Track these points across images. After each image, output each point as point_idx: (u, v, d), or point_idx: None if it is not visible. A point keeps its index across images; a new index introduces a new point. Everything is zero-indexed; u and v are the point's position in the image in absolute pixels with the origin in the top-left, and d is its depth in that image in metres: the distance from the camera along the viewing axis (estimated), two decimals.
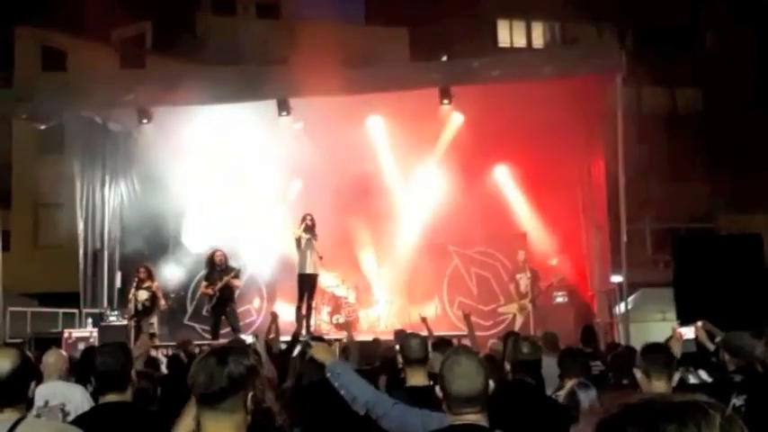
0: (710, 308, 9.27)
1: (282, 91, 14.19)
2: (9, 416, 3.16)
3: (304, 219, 14.13)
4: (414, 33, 27.49)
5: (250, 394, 2.60)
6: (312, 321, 14.30)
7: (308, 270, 14.00)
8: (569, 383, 6.54)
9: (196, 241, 15.58)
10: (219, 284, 14.16)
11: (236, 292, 14.57)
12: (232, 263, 14.50)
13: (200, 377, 2.57)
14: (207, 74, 15.98)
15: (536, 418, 4.56)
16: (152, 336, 14.11)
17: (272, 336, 9.72)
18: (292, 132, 14.88)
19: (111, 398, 3.74)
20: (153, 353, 12.23)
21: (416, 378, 4.52)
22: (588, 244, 15.01)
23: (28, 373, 3.43)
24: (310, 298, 14.16)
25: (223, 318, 14.27)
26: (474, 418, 3.11)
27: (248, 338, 12.08)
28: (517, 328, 13.32)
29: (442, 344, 6.80)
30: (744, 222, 21.62)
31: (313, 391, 4.85)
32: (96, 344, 12.54)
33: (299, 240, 14.05)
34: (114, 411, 3.69)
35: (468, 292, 15.60)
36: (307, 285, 14.07)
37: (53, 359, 6.02)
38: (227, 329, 14.16)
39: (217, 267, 14.37)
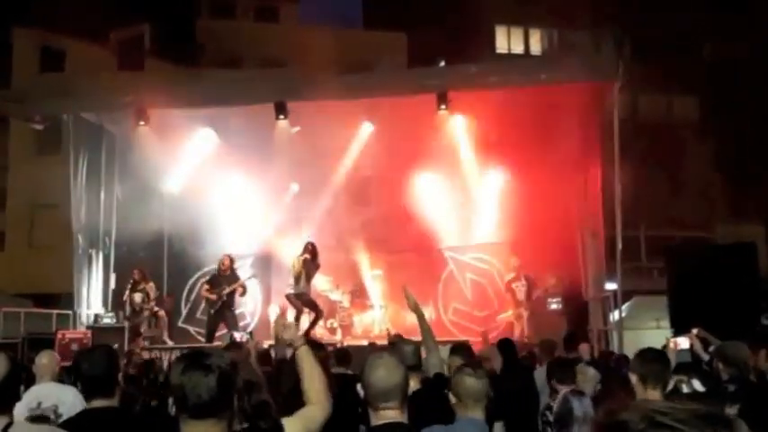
0: (704, 316, 9.25)
1: (280, 94, 14.17)
2: None
3: (305, 249, 14.11)
4: (412, 38, 27.53)
5: (236, 396, 2.60)
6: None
7: (301, 290, 14.01)
8: (563, 391, 6.56)
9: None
10: (226, 291, 14.12)
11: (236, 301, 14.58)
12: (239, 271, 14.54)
13: (188, 390, 2.51)
14: (205, 76, 15.95)
15: None
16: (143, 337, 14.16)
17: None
18: (289, 136, 14.87)
19: (98, 403, 3.72)
20: (146, 355, 12.30)
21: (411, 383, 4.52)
22: (583, 251, 14.99)
23: (17, 378, 3.43)
24: (316, 311, 14.18)
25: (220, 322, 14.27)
26: (393, 414, 3.20)
27: (242, 336, 12.10)
28: (514, 335, 13.30)
29: (460, 348, 6.70)
30: (739, 230, 21.67)
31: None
32: (90, 345, 12.53)
33: (298, 275, 14.01)
34: (101, 417, 3.67)
35: (463, 298, 15.58)
36: (305, 303, 14.10)
37: (46, 360, 6.00)
38: (219, 333, 14.15)
39: (222, 272, 14.36)
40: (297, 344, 3.44)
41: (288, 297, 14.06)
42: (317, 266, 14.24)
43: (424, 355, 5.56)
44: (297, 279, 13.95)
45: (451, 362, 6.44)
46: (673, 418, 1.35)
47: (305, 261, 13.97)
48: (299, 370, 3.35)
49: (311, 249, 14.09)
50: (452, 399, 4.07)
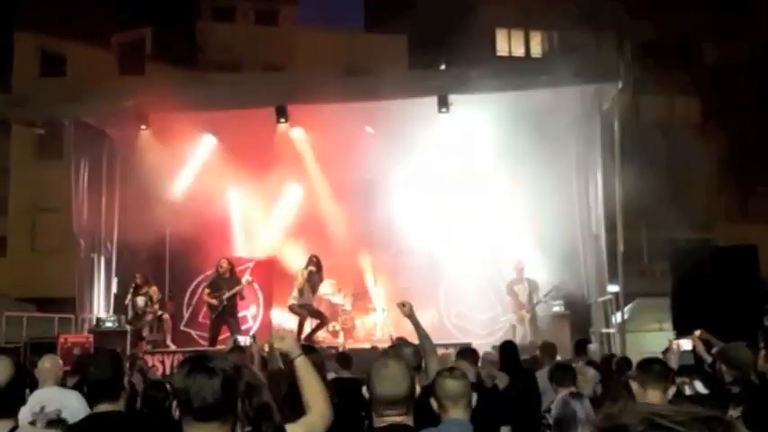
0: (706, 318, 9.26)
1: (281, 98, 14.18)
2: (3, 425, 3.17)
3: (310, 261, 14.14)
4: (413, 41, 27.54)
5: (239, 400, 2.61)
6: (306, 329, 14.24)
7: (306, 302, 14.04)
8: (562, 393, 6.59)
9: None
10: (227, 295, 14.13)
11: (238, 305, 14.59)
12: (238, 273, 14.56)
13: (193, 392, 2.53)
14: (206, 80, 15.95)
15: None
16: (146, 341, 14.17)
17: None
18: (290, 140, 14.90)
19: (103, 407, 3.73)
20: (148, 359, 12.30)
21: None
22: (585, 253, 15.00)
23: (23, 382, 3.45)
24: (322, 318, 14.20)
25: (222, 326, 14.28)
26: (398, 419, 3.21)
27: (246, 340, 12.09)
28: (517, 338, 13.30)
29: (467, 352, 6.74)
30: (741, 232, 21.64)
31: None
32: (92, 349, 12.54)
33: (302, 288, 14.04)
34: (107, 421, 3.68)
35: (465, 301, 15.57)
36: (309, 313, 14.13)
37: (49, 364, 6.00)
38: (222, 337, 14.17)
39: (221, 276, 14.37)
40: (294, 354, 3.34)
41: (291, 308, 14.08)
42: (320, 279, 14.30)
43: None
44: (301, 291, 13.98)
45: (458, 365, 6.45)
46: (672, 420, 1.36)
47: (309, 273, 14.01)
48: (297, 378, 3.32)
49: (316, 262, 14.14)
50: (434, 404, 4.07)
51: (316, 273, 14.12)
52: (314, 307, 14.24)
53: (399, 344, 5.87)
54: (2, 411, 3.26)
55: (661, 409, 1.42)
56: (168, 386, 6.41)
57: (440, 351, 8.36)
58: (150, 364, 11.78)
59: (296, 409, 3.26)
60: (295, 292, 14.03)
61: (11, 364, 3.40)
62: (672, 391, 4.43)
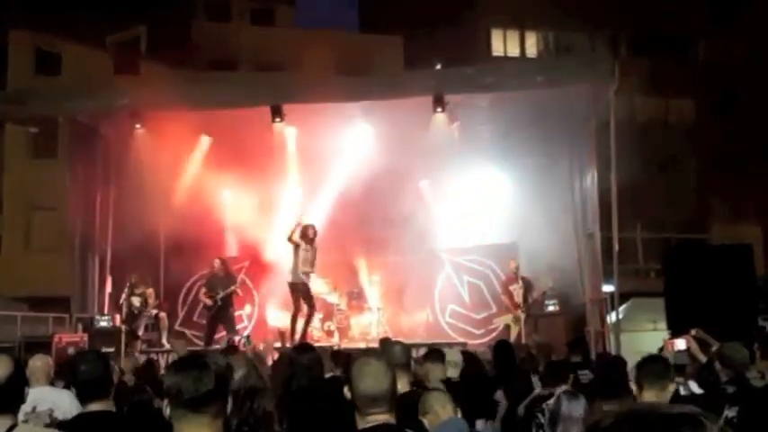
0: (701, 318, 9.27)
1: (276, 97, 14.15)
2: (2, 422, 3.17)
3: (306, 229, 14.01)
4: (408, 41, 27.55)
5: (230, 399, 2.62)
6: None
7: (299, 279, 13.91)
8: (558, 391, 6.65)
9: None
10: (221, 295, 14.10)
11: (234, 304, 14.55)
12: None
13: (185, 383, 2.54)
14: (201, 79, 15.90)
15: None
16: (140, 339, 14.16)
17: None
18: (285, 139, 14.88)
19: (94, 406, 3.72)
20: (142, 358, 12.27)
21: (399, 384, 4.51)
22: (580, 252, 15.00)
23: (21, 380, 3.43)
24: (311, 307, 14.04)
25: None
26: (383, 417, 3.18)
27: (240, 339, 12.07)
28: (512, 338, 13.31)
29: (434, 353, 6.72)
30: (736, 232, 21.70)
31: (301, 397, 4.82)
32: (86, 348, 12.50)
33: (296, 247, 13.89)
34: (97, 419, 3.67)
35: (460, 300, 15.56)
36: (301, 293, 13.99)
37: (40, 363, 5.97)
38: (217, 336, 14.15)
39: (215, 275, 14.35)
40: None
41: (290, 285, 13.86)
42: (314, 249, 14.02)
43: (414, 355, 5.57)
44: (296, 266, 13.73)
45: (426, 366, 6.38)
46: (638, 414, 1.36)
47: (303, 236, 13.77)
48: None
49: (313, 232, 13.94)
50: (426, 421, 4.03)
51: (310, 239, 13.89)
52: (309, 289, 13.96)
53: (387, 341, 5.88)
54: (1, 408, 3.25)
55: (641, 406, 1.41)
56: (148, 389, 6.39)
57: None
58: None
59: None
60: (292, 267, 13.84)
61: (9, 362, 3.39)
62: (671, 389, 4.42)
